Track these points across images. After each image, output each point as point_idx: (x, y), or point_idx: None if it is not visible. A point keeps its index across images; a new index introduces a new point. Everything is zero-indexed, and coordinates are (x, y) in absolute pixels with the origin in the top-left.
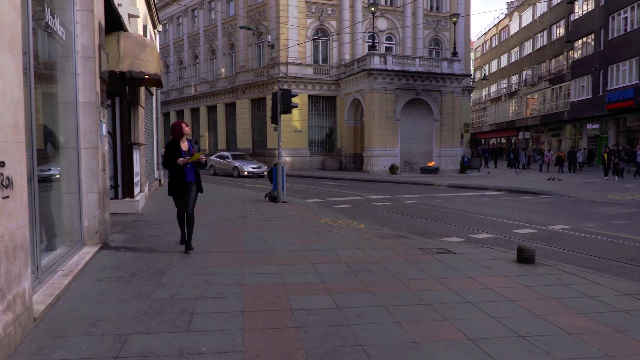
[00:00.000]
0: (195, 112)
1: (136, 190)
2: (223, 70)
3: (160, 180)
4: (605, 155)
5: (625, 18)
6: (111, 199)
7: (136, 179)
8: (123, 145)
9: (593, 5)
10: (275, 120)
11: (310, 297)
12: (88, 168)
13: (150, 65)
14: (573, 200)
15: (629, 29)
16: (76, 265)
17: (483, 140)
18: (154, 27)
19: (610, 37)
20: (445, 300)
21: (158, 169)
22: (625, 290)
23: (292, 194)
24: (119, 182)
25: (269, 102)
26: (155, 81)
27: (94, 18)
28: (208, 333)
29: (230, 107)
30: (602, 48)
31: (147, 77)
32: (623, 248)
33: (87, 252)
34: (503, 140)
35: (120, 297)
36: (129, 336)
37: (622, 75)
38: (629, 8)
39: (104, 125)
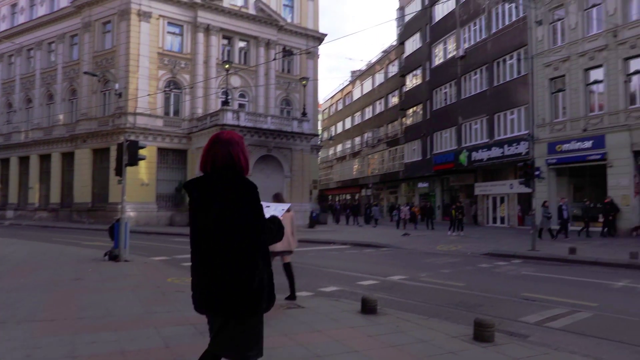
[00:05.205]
0: (24, 160)
1: None
2: (61, 116)
3: None
4: (453, 211)
5: (446, 93)
6: None
7: None
8: None
9: (420, 80)
10: (119, 172)
11: None
12: None
13: None
14: (408, 252)
15: (448, 102)
16: None
17: (330, 196)
18: None
19: (434, 108)
20: (294, 356)
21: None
22: (453, 333)
23: (136, 251)
24: None
25: (113, 153)
26: None
27: None
28: None
29: (68, 157)
30: (428, 117)
31: None
32: (449, 294)
33: None
34: (348, 197)
35: None
36: None
37: (445, 141)
38: (447, 85)
39: None
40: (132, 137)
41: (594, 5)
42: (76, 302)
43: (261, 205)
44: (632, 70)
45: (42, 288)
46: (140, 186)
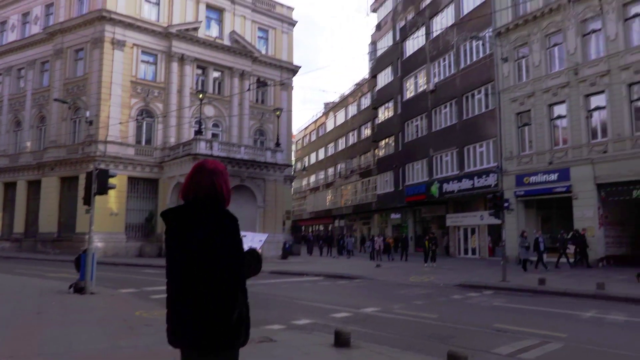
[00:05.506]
0: None
1: None
2: (29, 143)
3: None
4: (426, 242)
5: (417, 125)
6: None
7: None
8: None
9: (392, 113)
10: (88, 201)
11: None
12: None
13: None
14: (382, 283)
15: (419, 135)
16: None
17: (303, 227)
18: None
19: (406, 140)
20: None
21: None
22: None
23: (104, 283)
24: None
25: (82, 182)
26: None
27: None
28: None
29: (35, 185)
30: (400, 149)
31: None
32: (422, 326)
33: None
34: (321, 227)
35: None
36: None
37: (416, 173)
38: (419, 117)
39: None
40: (102, 166)
41: (555, 45)
42: (38, 337)
43: (241, 238)
44: (592, 106)
45: (2, 322)
46: (109, 216)
